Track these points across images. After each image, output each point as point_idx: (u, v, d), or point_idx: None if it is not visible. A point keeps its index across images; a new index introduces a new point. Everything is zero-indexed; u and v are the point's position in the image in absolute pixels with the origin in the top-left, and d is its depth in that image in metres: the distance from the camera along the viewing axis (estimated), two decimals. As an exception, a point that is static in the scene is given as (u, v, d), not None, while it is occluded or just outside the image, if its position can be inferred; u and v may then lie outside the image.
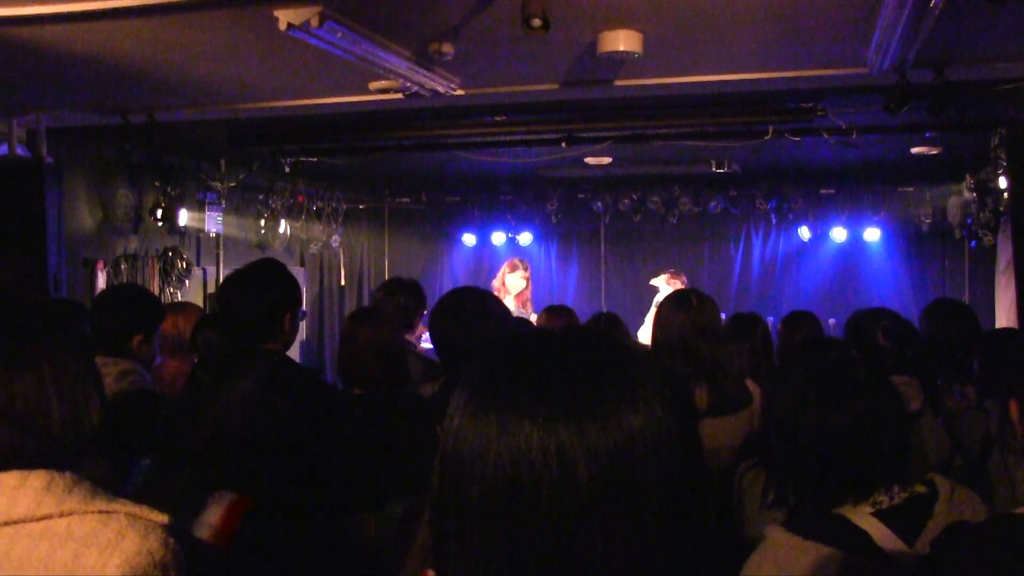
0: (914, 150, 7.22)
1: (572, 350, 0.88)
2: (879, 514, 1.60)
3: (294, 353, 7.90)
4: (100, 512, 1.29)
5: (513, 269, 7.40)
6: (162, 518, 1.32)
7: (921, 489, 1.67)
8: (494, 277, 7.64)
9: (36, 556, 1.25)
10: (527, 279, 7.38)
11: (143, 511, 1.32)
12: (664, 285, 7.71)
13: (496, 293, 7.06)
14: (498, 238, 10.10)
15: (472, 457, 0.83)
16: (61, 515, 1.27)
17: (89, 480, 1.34)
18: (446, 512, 0.86)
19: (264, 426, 1.66)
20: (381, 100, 4.93)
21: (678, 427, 0.84)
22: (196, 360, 3.44)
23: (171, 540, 1.30)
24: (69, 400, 1.35)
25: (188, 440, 1.70)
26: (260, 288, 2.92)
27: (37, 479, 1.29)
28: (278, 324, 2.91)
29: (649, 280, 8.20)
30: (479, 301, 2.69)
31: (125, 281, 6.85)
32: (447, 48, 3.93)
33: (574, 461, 0.80)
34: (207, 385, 1.69)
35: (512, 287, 7.31)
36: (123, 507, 1.31)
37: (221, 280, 7.99)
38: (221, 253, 8.15)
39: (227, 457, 1.65)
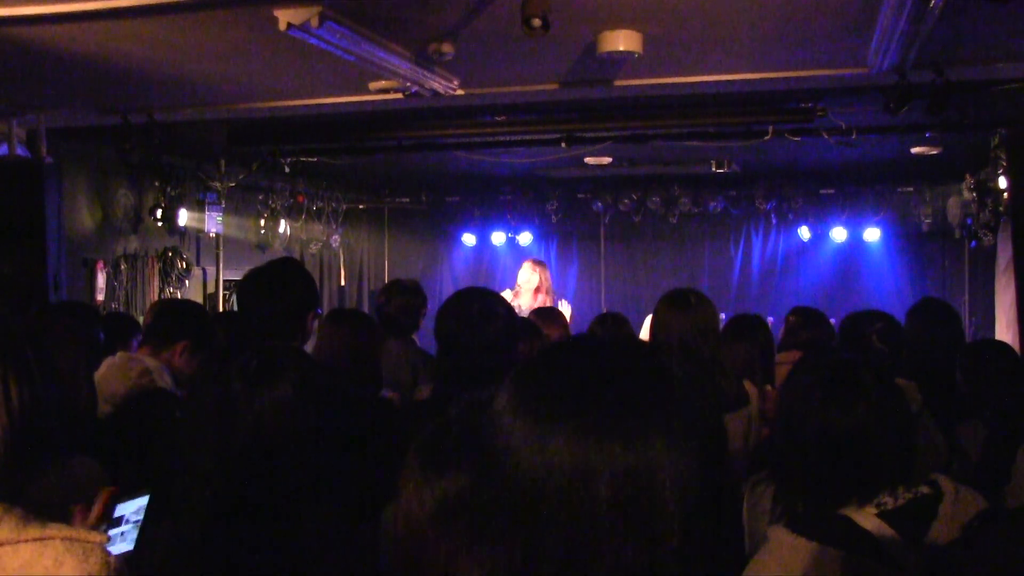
0: (914, 150, 7.22)
1: (613, 369, 0.89)
2: (883, 515, 1.60)
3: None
4: (34, 540, 1.25)
5: (523, 266, 7.36)
6: (100, 538, 1.29)
7: (925, 490, 1.66)
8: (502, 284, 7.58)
9: None
10: (538, 270, 7.32)
11: (79, 533, 1.28)
12: None
13: (515, 296, 7.04)
14: (498, 238, 10.09)
15: (505, 459, 0.85)
16: None
17: (19, 507, 1.29)
18: (481, 505, 0.88)
19: (299, 434, 1.61)
20: (381, 100, 4.93)
21: (706, 462, 0.85)
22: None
23: (111, 559, 1.28)
24: None
25: (215, 449, 1.62)
26: (285, 288, 2.89)
27: None
28: (303, 324, 2.89)
29: (649, 280, 8.13)
30: (485, 302, 2.69)
31: (125, 281, 6.87)
32: (447, 48, 3.93)
33: (596, 478, 0.81)
34: (240, 391, 1.61)
35: (525, 283, 7.26)
36: (58, 532, 1.27)
37: (222, 279, 8.04)
38: (221, 253, 8.15)
39: (256, 466, 1.58)
